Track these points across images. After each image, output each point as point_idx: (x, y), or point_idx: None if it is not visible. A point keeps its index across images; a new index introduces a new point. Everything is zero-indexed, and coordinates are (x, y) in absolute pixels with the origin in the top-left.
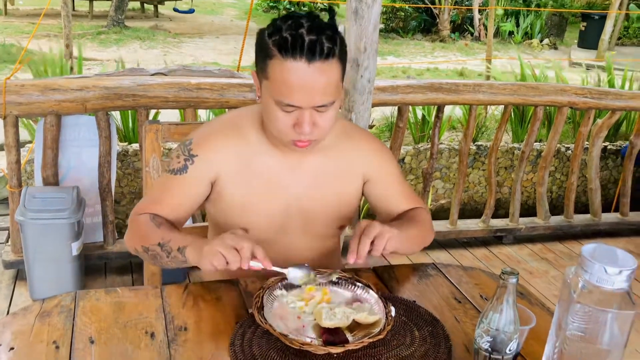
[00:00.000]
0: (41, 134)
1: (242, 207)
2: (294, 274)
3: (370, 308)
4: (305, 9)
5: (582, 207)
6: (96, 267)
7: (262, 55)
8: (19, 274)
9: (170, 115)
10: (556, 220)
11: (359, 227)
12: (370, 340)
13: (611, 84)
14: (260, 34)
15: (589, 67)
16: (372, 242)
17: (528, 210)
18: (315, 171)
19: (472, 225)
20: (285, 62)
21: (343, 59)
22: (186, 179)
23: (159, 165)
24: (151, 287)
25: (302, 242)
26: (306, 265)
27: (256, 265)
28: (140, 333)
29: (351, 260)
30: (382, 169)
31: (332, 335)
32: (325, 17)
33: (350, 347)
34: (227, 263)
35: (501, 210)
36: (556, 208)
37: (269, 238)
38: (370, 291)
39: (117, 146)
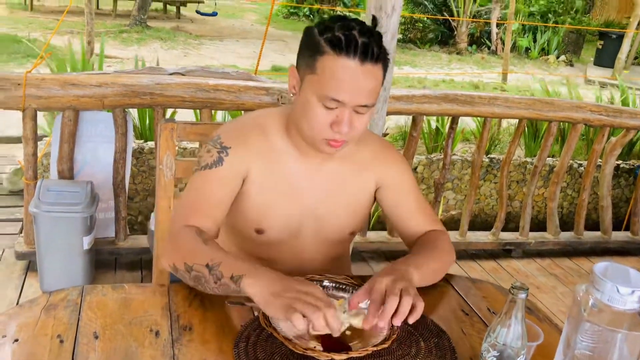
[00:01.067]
0: (58, 128)
1: (262, 207)
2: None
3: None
4: (325, 16)
5: (593, 225)
6: (107, 262)
7: (310, 51)
8: (31, 265)
9: (186, 116)
10: (566, 236)
11: (376, 289)
12: (375, 348)
13: (625, 102)
14: (309, 30)
15: (603, 86)
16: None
17: (538, 225)
18: (333, 177)
19: (481, 237)
20: (339, 59)
21: (385, 66)
22: (223, 171)
23: (172, 163)
24: (158, 285)
25: (314, 246)
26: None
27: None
28: (145, 331)
29: (366, 327)
30: (396, 176)
31: (331, 341)
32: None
33: (354, 354)
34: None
35: (511, 224)
36: (566, 224)
37: (282, 240)
38: None
39: (132, 143)
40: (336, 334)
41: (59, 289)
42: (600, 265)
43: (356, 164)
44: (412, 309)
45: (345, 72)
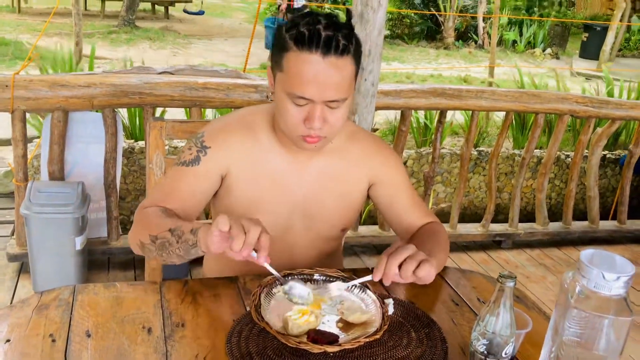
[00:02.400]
0: (48, 129)
1: (248, 204)
2: (295, 291)
3: (361, 306)
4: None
5: (581, 215)
6: (99, 262)
7: (278, 49)
8: (23, 266)
9: (176, 115)
10: (554, 226)
11: (391, 247)
12: (367, 339)
13: (610, 94)
14: (279, 29)
15: (588, 78)
16: (401, 264)
17: (527, 216)
18: (322, 172)
19: (471, 229)
20: (301, 55)
21: (357, 58)
22: (198, 170)
23: (162, 162)
24: (150, 282)
25: (305, 242)
26: (307, 285)
27: (255, 257)
28: (137, 328)
29: (376, 277)
30: (388, 172)
31: (318, 335)
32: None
33: (346, 346)
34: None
35: (501, 216)
36: (555, 214)
37: (273, 236)
38: (368, 291)
39: (123, 143)
40: (261, 259)
41: (51, 289)
42: (587, 252)
43: (347, 161)
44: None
45: (308, 67)
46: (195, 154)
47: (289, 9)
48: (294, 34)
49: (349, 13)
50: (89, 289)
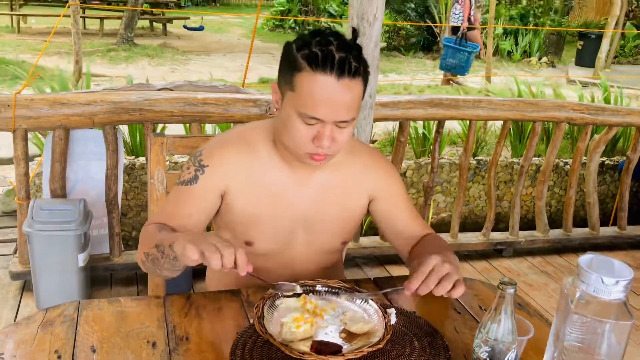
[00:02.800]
0: (50, 147)
1: (249, 220)
2: (281, 287)
3: (363, 316)
4: (310, 27)
5: (581, 221)
6: (102, 278)
7: (289, 68)
8: (26, 284)
9: (176, 130)
10: (555, 233)
11: (428, 262)
12: (370, 349)
13: (607, 101)
14: (288, 47)
15: (584, 85)
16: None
17: (527, 223)
18: (322, 187)
19: (472, 238)
20: (315, 76)
21: (365, 79)
22: (196, 189)
23: (164, 177)
24: (153, 297)
25: (306, 256)
26: (294, 283)
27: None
28: (142, 342)
29: (409, 292)
30: (388, 187)
31: (321, 345)
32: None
33: (349, 356)
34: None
35: (501, 224)
36: (555, 222)
37: (273, 251)
38: (370, 301)
39: (124, 159)
40: (242, 272)
41: (55, 305)
42: (585, 257)
43: (347, 175)
44: (454, 287)
45: (322, 88)
46: (193, 174)
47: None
48: (307, 54)
49: (355, 32)
50: (93, 304)
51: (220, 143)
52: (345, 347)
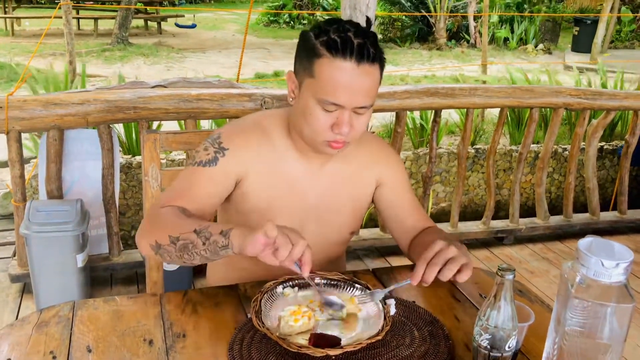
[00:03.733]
0: (44, 148)
1: (264, 209)
2: (329, 304)
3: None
4: (305, 22)
5: (581, 207)
6: (102, 278)
7: (307, 55)
8: (26, 287)
9: (172, 128)
10: (556, 220)
11: (432, 247)
12: (369, 341)
13: (604, 85)
14: (305, 35)
15: (581, 71)
16: (442, 268)
17: (528, 211)
18: (333, 177)
19: (472, 227)
20: (335, 61)
21: (382, 66)
22: (216, 171)
23: (158, 174)
24: (150, 294)
25: (315, 247)
26: (341, 302)
27: (296, 268)
28: (138, 340)
29: (414, 282)
30: (393, 175)
31: (319, 338)
32: None
33: (348, 349)
34: (275, 250)
35: (501, 212)
36: (555, 208)
37: None
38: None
39: (120, 158)
40: (305, 273)
41: (50, 306)
42: (585, 241)
43: (356, 164)
44: (460, 271)
45: (342, 74)
46: (212, 155)
47: None
48: (326, 40)
49: (368, 21)
50: (88, 304)
51: (240, 128)
52: (344, 339)
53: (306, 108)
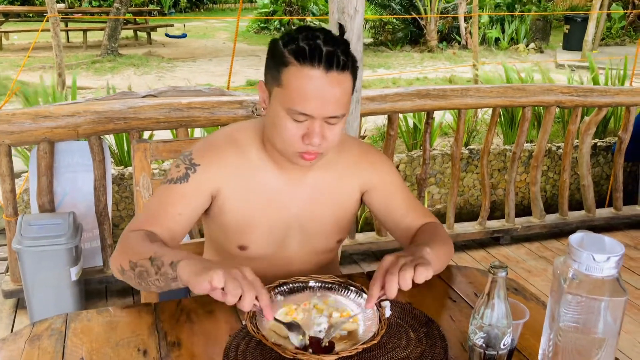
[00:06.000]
0: (35, 162)
1: (242, 224)
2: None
3: (350, 313)
4: (291, 28)
5: (577, 204)
6: (97, 291)
7: (276, 63)
8: (20, 302)
9: (165, 137)
10: (551, 218)
11: (379, 268)
12: (364, 345)
13: (595, 82)
14: (274, 43)
15: (573, 69)
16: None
17: (524, 210)
18: (315, 187)
19: (469, 227)
20: (303, 70)
21: (354, 74)
22: (187, 187)
23: (149, 183)
24: (144, 304)
25: (300, 258)
26: (300, 328)
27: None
28: (132, 351)
29: (369, 306)
30: (379, 177)
31: (314, 343)
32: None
33: (344, 354)
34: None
35: (497, 212)
36: (551, 207)
37: (268, 254)
38: (364, 295)
39: (112, 170)
40: (268, 317)
41: (43, 319)
42: (576, 236)
43: (338, 171)
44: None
45: (310, 82)
46: (183, 171)
47: None
48: (294, 48)
49: (341, 28)
50: (81, 316)
51: (210, 144)
52: (340, 344)
53: (276, 118)
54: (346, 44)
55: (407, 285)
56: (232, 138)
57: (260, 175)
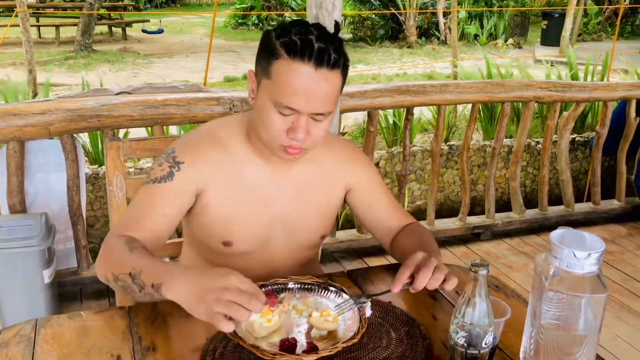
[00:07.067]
0: (4, 161)
1: (228, 220)
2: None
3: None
4: (274, 23)
5: (556, 199)
6: (71, 293)
7: (267, 55)
8: None
9: (140, 135)
10: (531, 213)
11: (413, 257)
12: (345, 344)
13: (575, 77)
14: (267, 34)
15: (552, 64)
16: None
17: (504, 206)
18: (300, 182)
19: (449, 224)
20: (293, 64)
21: (345, 74)
22: (171, 186)
23: (123, 183)
24: (117, 307)
25: (284, 253)
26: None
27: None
28: (105, 357)
29: (396, 290)
30: (365, 178)
31: (292, 343)
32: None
33: (323, 353)
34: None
35: (477, 208)
36: (531, 202)
37: (251, 250)
38: (344, 295)
39: (85, 169)
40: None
41: (10, 326)
42: (557, 232)
43: (323, 168)
44: (445, 280)
45: (298, 77)
46: (167, 170)
47: None
48: (286, 41)
49: (337, 26)
50: (52, 321)
51: (193, 141)
52: (320, 344)
53: (262, 109)
54: (340, 41)
55: (434, 286)
56: (213, 134)
57: (245, 169)
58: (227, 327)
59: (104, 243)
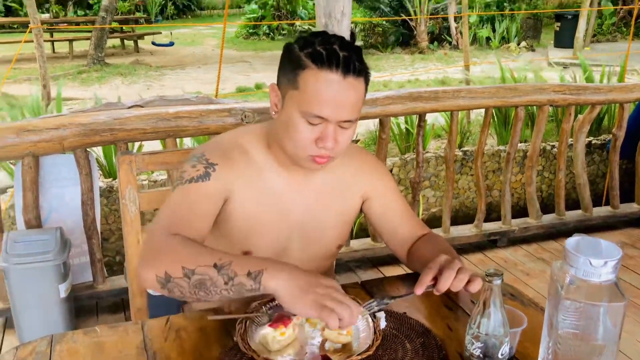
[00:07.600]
0: (19, 177)
1: (250, 228)
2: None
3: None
4: (285, 32)
5: (573, 204)
6: (87, 307)
7: (292, 67)
8: (7, 322)
9: (154, 148)
10: (548, 218)
11: (437, 260)
12: (359, 357)
13: (589, 79)
14: (289, 46)
15: (566, 66)
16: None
17: (520, 211)
18: (319, 191)
19: (464, 231)
20: (321, 73)
21: (367, 81)
22: (209, 186)
23: (135, 196)
24: (132, 323)
25: (301, 264)
26: None
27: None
28: None
29: (419, 292)
30: (381, 186)
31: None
32: None
33: None
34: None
35: (493, 214)
36: (548, 207)
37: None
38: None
39: (100, 182)
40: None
41: (27, 342)
42: (572, 240)
43: (341, 177)
44: (469, 282)
45: (327, 86)
46: (203, 170)
47: None
48: (311, 52)
49: (353, 35)
50: (67, 337)
51: (220, 146)
52: (334, 357)
53: (289, 121)
54: (359, 50)
55: (458, 287)
56: (237, 142)
57: (267, 177)
58: (335, 323)
59: (153, 241)
